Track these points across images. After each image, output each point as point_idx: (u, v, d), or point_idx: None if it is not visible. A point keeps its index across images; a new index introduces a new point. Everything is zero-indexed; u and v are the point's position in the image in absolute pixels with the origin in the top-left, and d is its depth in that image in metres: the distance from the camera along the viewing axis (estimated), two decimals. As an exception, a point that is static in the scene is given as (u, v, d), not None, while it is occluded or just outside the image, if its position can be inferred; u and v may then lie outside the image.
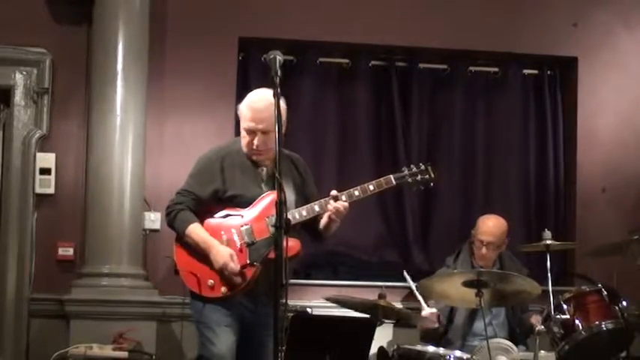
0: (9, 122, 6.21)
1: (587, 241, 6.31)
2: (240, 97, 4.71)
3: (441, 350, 5.04)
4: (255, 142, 4.52)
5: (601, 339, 4.99)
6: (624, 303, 5.05)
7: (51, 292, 5.98)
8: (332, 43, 6.51)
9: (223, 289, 4.49)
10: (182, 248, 4.60)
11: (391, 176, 4.66)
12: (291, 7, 6.39)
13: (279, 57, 3.88)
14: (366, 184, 4.61)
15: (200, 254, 4.53)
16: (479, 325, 5.59)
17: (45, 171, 6.11)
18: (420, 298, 5.57)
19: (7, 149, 6.22)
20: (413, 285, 5.65)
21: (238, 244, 4.52)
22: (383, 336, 5.85)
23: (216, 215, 4.58)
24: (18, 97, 6.18)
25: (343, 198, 4.54)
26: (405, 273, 5.84)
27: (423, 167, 4.74)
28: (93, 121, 6.01)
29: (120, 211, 5.90)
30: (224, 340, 4.51)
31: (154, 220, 6.09)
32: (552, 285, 5.18)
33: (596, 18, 6.73)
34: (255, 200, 4.56)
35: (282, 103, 4.34)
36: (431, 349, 5.06)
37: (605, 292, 5.04)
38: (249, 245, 4.51)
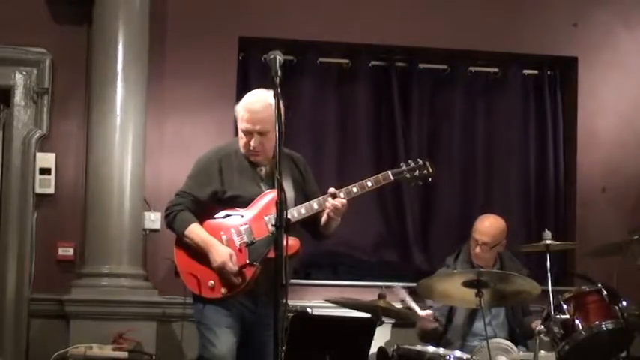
0: (9, 122, 6.21)
1: (587, 241, 6.31)
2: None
3: (441, 350, 5.04)
4: (252, 143, 4.52)
5: (601, 339, 4.99)
6: (624, 303, 5.04)
7: (51, 292, 5.98)
8: (332, 43, 6.51)
9: (223, 289, 4.50)
10: (182, 250, 4.60)
11: (389, 172, 4.65)
12: (291, 7, 6.39)
13: (279, 57, 3.88)
14: (364, 181, 4.60)
15: (200, 255, 4.53)
16: (478, 325, 5.59)
17: (45, 171, 6.11)
18: (414, 306, 5.56)
19: (7, 149, 6.22)
20: (408, 299, 5.63)
21: (237, 243, 4.52)
22: (383, 336, 5.85)
23: (215, 216, 4.58)
24: (18, 97, 6.18)
25: (341, 195, 4.53)
26: (401, 289, 5.82)
27: (421, 163, 4.72)
28: (93, 121, 6.01)
29: (120, 211, 5.90)
30: (224, 341, 4.51)
31: (154, 220, 6.08)
32: (552, 285, 5.17)
33: (596, 18, 6.73)
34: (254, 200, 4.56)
35: (280, 102, 4.34)
36: (431, 349, 5.06)
37: (605, 292, 5.04)
38: (249, 245, 4.51)
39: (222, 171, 4.58)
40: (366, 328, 4.81)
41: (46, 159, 6.12)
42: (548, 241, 5.41)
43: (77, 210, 6.09)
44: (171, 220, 4.60)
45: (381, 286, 5.61)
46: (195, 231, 4.53)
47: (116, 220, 5.89)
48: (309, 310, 5.51)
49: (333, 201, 4.51)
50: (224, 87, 6.19)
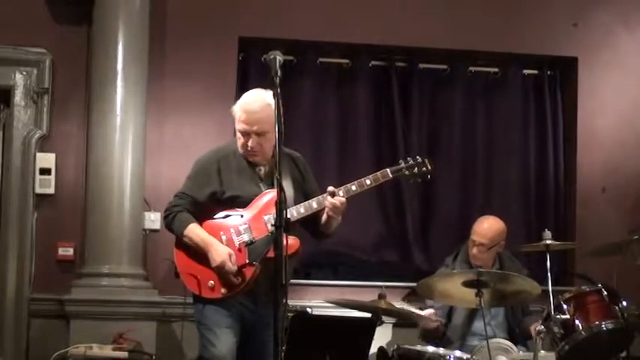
0: (9, 122, 6.21)
1: (587, 241, 6.31)
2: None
3: (441, 350, 5.04)
4: (250, 143, 4.52)
5: (601, 339, 4.99)
6: (624, 303, 5.04)
7: (51, 292, 5.98)
8: (332, 43, 6.51)
9: (223, 289, 4.49)
10: (182, 250, 4.60)
11: (388, 169, 4.64)
12: (291, 7, 6.39)
13: (279, 57, 3.88)
14: (362, 179, 4.59)
15: (200, 255, 4.53)
16: (478, 324, 5.59)
17: (45, 171, 6.11)
18: (416, 311, 5.57)
19: (7, 149, 6.22)
20: (410, 307, 5.64)
21: (237, 243, 4.52)
22: (383, 336, 5.85)
23: (215, 216, 4.58)
24: (18, 97, 6.18)
25: (340, 193, 4.53)
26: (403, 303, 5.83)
27: (419, 160, 4.70)
28: (93, 121, 6.01)
29: (120, 211, 5.90)
30: (224, 341, 4.51)
31: (154, 220, 6.08)
32: (552, 285, 5.17)
33: (596, 18, 6.73)
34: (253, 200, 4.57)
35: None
36: (431, 349, 5.05)
37: (605, 292, 5.03)
38: (248, 244, 4.51)
39: (221, 171, 4.58)
40: (366, 328, 4.80)
41: (46, 159, 6.12)
42: (548, 241, 5.41)
43: (77, 210, 6.09)
44: (170, 220, 4.60)
45: (381, 286, 5.61)
46: (195, 231, 4.53)
47: (116, 220, 5.89)
48: (309, 310, 5.51)
49: (332, 199, 4.51)
50: (224, 87, 6.19)
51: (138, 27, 6.04)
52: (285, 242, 3.64)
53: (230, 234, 4.54)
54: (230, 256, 4.46)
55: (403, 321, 6.01)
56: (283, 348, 3.67)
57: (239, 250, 4.51)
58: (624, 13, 6.77)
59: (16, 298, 6.06)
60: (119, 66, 5.95)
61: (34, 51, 6.16)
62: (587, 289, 5.13)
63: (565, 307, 5.03)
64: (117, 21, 5.98)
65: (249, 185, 4.58)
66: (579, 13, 6.70)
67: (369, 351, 4.79)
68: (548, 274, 5.27)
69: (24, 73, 6.18)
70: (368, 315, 5.17)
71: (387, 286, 5.67)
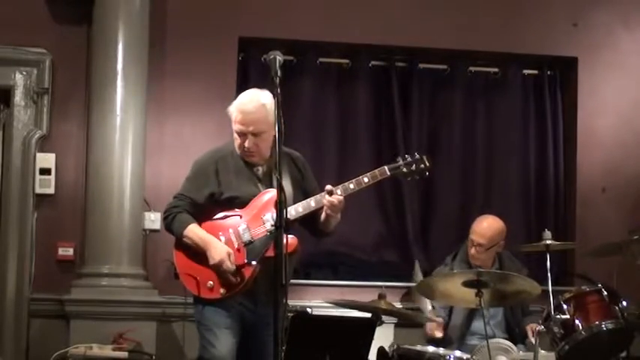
0: (9, 122, 6.21)
1: (587, 241, 6.31)
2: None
3: (441, 350, 5.03)
4: (246, 144, 4.52)
5: (601, 339, 4.98)
6: (624, 303, 5.04)
7: (51, 292, 5.98)
8: (332, 43, 6.51)
9: (222, 289, 4.49)
10: (181, 251, 4.60)
11: (385, 167, 4.62)
12: (291, 7, 6.39)
13: (279, 57, 3.88)
14: (360, 177, 4.58)
15: (199, 256, 4.53)
16: (477, 324, 5.59)
17: (45, 171, 6.11)
18: (429, 307, 5.59)
19: (7, 149, 6.22)
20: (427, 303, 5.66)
21: (236, 244, 4.52)
22: (383, 336, 5.84)
23: (213, 217, 4.58)
24: (18, 97, 6.18)
25: (338, 192, 4.52)
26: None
27: (417, 157, 4.67)
28: (93, 121, 6.01)
29: (120, 211, 5.90)
30: (224, 342, 4.51)
31: (153, 220, 6.08)
32: (552, 285, 5.17)
33: (596, 18, 6.73)
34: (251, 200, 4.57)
35: (273, 101, 4.34)
36: (431, 349, 5.05)
37: (605, 292, 5.03)
38: (247, 244, 4.51)
39: (219, 172, 4.58)
40: (366, 328, 4.80)
41: (46, 159, 6.12)
42: (548, 241, 5.41)
43: (77, 210, 6.09)
44: (169, 222, 4.60)
45: (381, 286, 5.61)
46: (194, 231, 4.54)
47: (116, 220, 5.90)
48: (309, 310, 5.50)
49: (330, 198, 4.50)
50: (224, 87, 6.19)
51: (138, 27, 6.04)
52: (288, 246, 3.64)
53: (229, 234, 4.54)
54: (229, 255, 4.46)
55: (403, 321, 6.01)
56: (283, 348, 3.66)
57: (238, 250, 4.51)
58: (624, 13, 6.77)
59: (16, 298, 6.06)
60: (119, 66, 5.95)
61: (34, 51, 6.17)
62: (587, 289, 5.13)
63: (565, 307, 5.02)
64: (117, 21, 5.98)
65: (248, 186, 4.58)
66: (579, 13, 6.70)
67: (369, 351, 4.79)
68: (548, 274, 5.27)
69: (24, 73, 6.18)
70: (368, 315, 5.17)
71: (387, 286, 5.67)
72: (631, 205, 6.63)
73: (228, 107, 4.60)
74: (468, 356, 5.05)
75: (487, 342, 5.05)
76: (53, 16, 6.17)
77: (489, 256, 5.79)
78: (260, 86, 4.60)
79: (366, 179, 4.58)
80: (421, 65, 6.68)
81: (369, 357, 4.81)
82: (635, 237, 5.49)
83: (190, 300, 4.72)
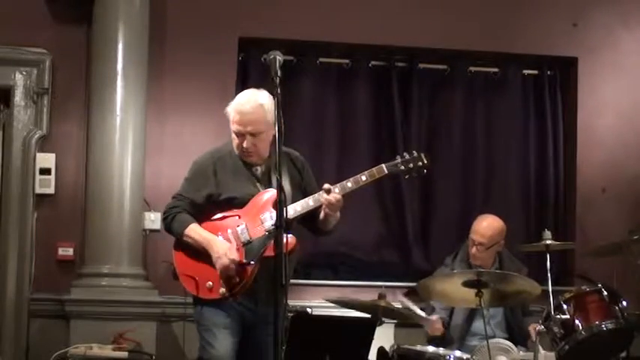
0: (9, 122, 6.21)
1: (587, 241, 6.33)
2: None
3: (441, 350, 5.04)
4: (245, 144, 4.52)
5: (601, 339, 4.98)
6: (624, 303, 5.04)
7: (51, 292, 5.98)
8: (332, 43, 6.52)
9: (222, 290, 4.49)
10: (181, 252, 4.60)
11: (383, 165, 4.61)
12: (291, 7, 6.39)
13: (279, 57, 3.88)
14: (358, 175, 4.57)
15: (199, 257, 4.53)
16: (477, 324, 5.59)
17: (45, 171, 6.11)
18: (421, 313, 5.58)
19: (7, 149, 6.21)
20: (414, 307, 5.65)
21: (235, 244, 4.52)
22: (383, 336, 5.84)
23: (212, 217, 4.58)
24: (18, 97, 6.18)
25: (336, 190, 4.52)
26: (404, 299, 5.82)
27: (415, 154, 4.65)
28: (93, 121, 6.01)
29: (120, 211, 5.90)
30: (223, 342, 4.51)
31: (153, 220, 6.08)
32: (552, 285, 5.18)
33: (596, 18, 6.73)
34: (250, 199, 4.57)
35: (271, 101, 4.36)
36: (430, 349, 5.06)
37: (605, 292, 5.03)
38: (245, 244, 4.51)
39: (217, 173, 4.58)
40: (366, 328, 4.81)
41: (46, 159, 6.12)
42: (548, 241, 5.41)
43: (77, 210, 6.09)
44: (169, 222, 4.59)
45: (381, 286, 5.61)
46: (195, 229, 4.53)
47: (116, 220, 5.90)
48: (309, 310, 5.51)
49: (328, 196, 4.50)
50: (224, 87, 6.19)
51: (138, 27, 6.04)
52: (287, 243, 3.64)
53: (227, 235, 4.54)
54: (230, 249, 4.45)
55: (403, 321, 6.01)
56: (283, 348, 3.66)
57: (237, 250, 4.51)
58: (624, 13, 6.77)
59: (16, 298, 6.06)
60: (119, 66, 5.95)
61: (33, 51, 6.16)
62: (587, 289, 5.13)
63: (565, 307, 5.02)
64: (117, 21, 5.98)
65: (246, 186, 4.58)
66: (579, 13, 6.70)
67: (369, 351, 4.79)
68: (548, 274, 5.27)
69: (24, 73, 6.18)
70: (368, 315, 5.18)
71: (387, 286, 5.68)
72: (631, 205, 6.63)
73: (226, 108, 4.60)
74: (468, 356, 5.06)
75: (487, 342, 5.05)
76: (53, 15, 6.17)
77: (490, 255, 5.79)
78: (260, 86, 4.60)
79: (364, 177, 4.57)
80: (421, 65, 6.68)
81: (369, 357, 4.81)
82: (635, 237, 5.49)
83: (190, 300, 4.71)
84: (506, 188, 6.74)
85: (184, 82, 6.24)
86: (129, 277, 5.94)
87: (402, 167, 4.63)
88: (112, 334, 5.67)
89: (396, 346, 5.07)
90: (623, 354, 5.26)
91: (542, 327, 5.03)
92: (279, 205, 3.66)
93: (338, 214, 4.60)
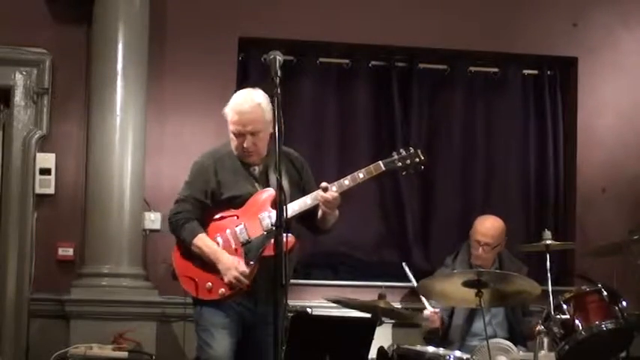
0: (9, 122, 6.21)
1: (587, 241, 6.32)
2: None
3: (441, 350, 5.04)
4: (245, 144, 4.53)
5: (601, 339, 4.99)
6: (624, 303, 5.04)
7: (51, 292, 5.98)
8: (332, 43, 6.51)
9: (221, 290, 4.50)
10: (180, 253, 4.61)
11: (380, 162, 4.62)
12: (291, 7, 6.39)
13: (279, 57, 3.88)
14: (355, 173, 4.58)
15: (199, 258, 4.54)
16: (478, 325, 5.59)
17: (45, 171, 6.11)
18: (425, 302, 5.58)
19: (7, 149, 6.21)
20: (414, 281, 5.65)
21: (233, 244, 4.53)
22: (383, 336, 5.85)
23: (211, 219, 4.58)
24: (18, 97, 6.18)
25: (334, 188, 4.52)
26: (405, 267, 5.81)
27: (412, 151, 4.67)
28: (93, 121, 6.01)
29: (120, 211, 5.90)
30: (221, 342, 4.52)
31: (153, 220, 6.08)
32: (552, 285, 5.18)
33: (596, 18, 6.73)
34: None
35: (267, 100, 4.38)
36: (430, 349, 5.06)
37: (605, 292, 5.03)
38: (244, 244, 4.51)
39: (218, 173, 4.60)
40: (366, 328, 4.81)
41: (46, 159, 6.12)
42: (548, 241, 5.42)
43: (77, 210, 6.09)
44: (179, 227, 4.58)
45: (381, 286, 5.61)
46: (204, 240, 4.54)
47: (116, 220, 5.89)
48: (309, 310, 5.51)
49: (325, 194, 4.50)
50: (224, 87, 6.17)
51: (138, 27, 6.03)
52: (285, 242, 3.64)
53: (226, 235, 4.54)
54: (238, 262, 4.46)
55: (403, 321, 6.00)
56: (283, 348, 3.66)
57: (235, 250, 4.52)
58: (624, 13, 6.76)
59: (16, 298, 6.05)
60: (119, 66, 5.95)
61: (33, 51, 6.16)
62: (587, 289, 5.13)
63: (565, 307, 5.03)
64: (117, 21, 5.98)
65: (245, 185, 4.59)
66: (579, 13, 6.70)
67: (369, 351, 4.79)
68: (548, 274, 5.27)
69: (24, 73, 6.18)
70: (368, 315, 5.18)
71: (387, 286, 5.69)
72: (631, 205, 6.62)
73: (223, 109, 4.60)
74: (468, 356, 5.06)
75: (487, 342, 5.05)
76: (53, 15, 6.17)
77: (493, 255, 5.80)
78: (260, 86, 4.60)
79: (361, 175, 4.58)
80: (421, 65, 6.67)
81: (369, 357, 4.81)
82: (635, 237, 5.50)
83: (190, 300, 4.72)
84: (506, 188, 6.74)
85: (184, 82, 6.24)
86: (129, 277, 5.94)
87: (399, 164, 4.64)
88: (112, 334, 5.67)
89: (395, 346, 5.06)
90: (623, 354, 5.26)
91: (542, 327, 5.03)
92: (279, 205, 3.66)
93: (336, 212, 4.61)
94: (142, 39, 6.05)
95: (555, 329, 4.97)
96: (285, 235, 3.67)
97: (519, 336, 5.72)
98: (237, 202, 4.57)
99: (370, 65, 6.63)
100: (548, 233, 5.46)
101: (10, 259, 6.07)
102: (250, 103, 4.52)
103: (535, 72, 6.82)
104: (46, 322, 6.02)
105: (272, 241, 3.68)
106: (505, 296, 5.18)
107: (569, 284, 6.23)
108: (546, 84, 6.81)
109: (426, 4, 6.55)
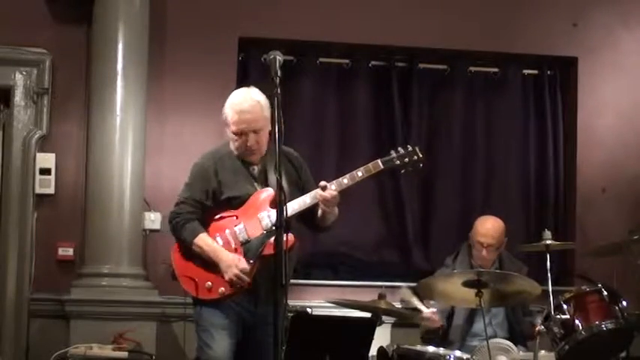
0: (9, 122, 6.21)
1: (587, 241, 6.32)
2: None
3: (441, 350, 5.04)
4: (249, 142, 4.53)
5: (601, 339, 4.98)
6: (624, 303, 5.04)
7: (51, 292, 5.98)
8: (332, 43, 6.52)
9: (221, 289, 4.50)
10: (179, 253, 4.61)
11: (379, 160, 4.62)
12: (291, 7, 6.39)
13: (279, 57, 3.87)
14: (354, 171, 4.59)
15: (199, 258, 4.54)
16: (478, 325, 5.59)
17: (45, 171, 6.11)
18: (419, 306, 5.58)
19: (7, 149, 6.21)
20: (414, 299, 5.64)
21: (233, 244, 4.53)
22: (383, 336, 5.85)
23: (210, 219, 4.58)
24: (18, 97, 6.18)
25: (332, 187, 4.52)
26: (406, 290, 5.81)
27: (410, 149, 4.67)
28: (93, 121, 6.01)
29: (120, 211, 5.90)
30: (220, 343, 4.52)
31: (153, 220, 6.08)
32: (552, 285, 5.17)
33: (596, 18, 6.73)
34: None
35: (264, 97, 4.38)
36: (431, 349, 5.06)
37: (605, 292, 5.03)
38: (244, 244, 4.52)
39: (218, 173, 4.60)
40: (366, 328, 4.81)
41: (46, 159, 6.12)
42: (548, 241, 5.41)
43: (77, 210, 6.09)
44: (179, 228, 4.58)
45: (381, 286, 5.61)
46: (205, 241, 4.54)
47: (116, 220, 5.89)
48: (309, 310, 5.51)
49: (323, 192, 4.51)
50: (224, 87, 6.14)
51: (138, 27, 6.04)
52: (285, 241, 3.64)
53: (225, 235, 4.55)
54: (239, 259, 4.46)
55: (403, 321, 6.00)
56: (283, 348, 3.66)
57: (235, 250, 4.52)
58: (624, 13, 6.77)
59: (16, 298, 6.06)
60: (119, 66, 5.95)
61: (33, 51, 6.16)
62: (587, 289, 5.12)
63: (565, 307, 5.02)
64: (117, 21, 5.98)
65: (245, 186, 4.59)
66: (579, 13, 6.70)
67: (369, 351, 4.79)
68: (548, 274, 5.27)
69: (24, 73, 6.18)
70: (368, 315, 5.17)
71: (387, 286, 5.68)
72: (631, 205, 6.63)
73: (222, 110, 4.60)
74: (468, 356, 5.06)
75: (487, 342, 5.05)
76: (53, 15, 6.17)
77: (496, 255, 5.80)
78: (260, 86, 4.60)
79: (360, 173, 4.59)
80: (421, 65, 6.68)
81: (369, 357, 4.81)
82: (635, 237, 5.49)
83: (190, 300, 4.72)
84: (506, 188, 6.74)
85: (184, 82, 6.24)
86: (129, 277, 5.94)
87: (398, 162, 4.64)
88: (112, 334, 5.67)
89: (395, 346, 5.06)
90: (623, 354, 5.25)
91: (542, 327, 5.03)
92: (279, 205, 3.66)
93: (336, 210, 4.61)
94: (142, 39, 6.05)
95: (555, 329, 4.97)
96: (285, 234, 3.67)
97: (519, 336, 5.71)
98: (236, 202, 4.57)
99: (370, 65, 6.63)
100: (548, 233, 5.46)
101: (10, 259, 6.07)
102: (250, 101, 4.53)
103: (535, 72, 6.83)
104: (46, 322, 6.02)
105: (272, 239, 3.68)
106: (505, 296, 5.18)
107: (569, 284, 6.23)
108: (546, 84, 6.81)
109: (426, 4, 6.55)
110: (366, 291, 6.04)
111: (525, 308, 5.82)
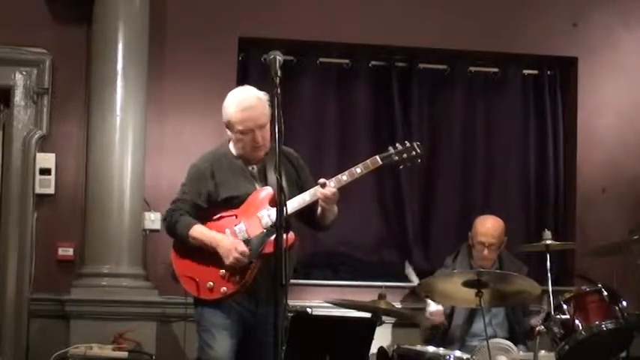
0: (9, 122, 6.21)
1: (587, 241, 6.32)
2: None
3: (441, 350, 5.04)
4: (258, 138, 4.53)
5: (601, 339, 4.98)
6: (624, 303, 5.04)
7: (51, 292, 5.98)
8: (332, 43, 6.52)
9: (223, 288, 4.49)
10: (179, 254, 4.60)
11: (377, 156, 4.61)
12: (291, 7, 6.39)
13: (279, 57, 3.87)
14: (353, 168, 4.59)
15: (198, 257, 4.53)
16: (478, 325, 5.59)
17: (45, 171, 6.11)
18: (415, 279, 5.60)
19: (7, 149, 6.21)
20: (416, 280, 5.65)
21: (235, 242, 4.53)
22: (383, 336, 5.85)
23: (210, 219, 4.58)
24: (18, 97, 6.18)
25: (332, 184, 4.52)
26: (409, 266, 5.81)
27: (408, 144, 4.66)
28: (93, 121, 6.01)
29: (120, 211, 5.90)
30: (221, 343, 4.52)
31: (153, 220, 6.08)
32: (552, 285, 5.18)
33: (596, 18, 6.73)
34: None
35: (264, 94, 4.38)
36: (431, 349, 5.06)
37: (605, 292, 5.03)
38: (244, 243, 4.51)
39: (215, 174, 4.59)
40: (366, 328, 4.81)
41: (46, 159, 6.12)
42: (548, 241, 5.42)
43: (77, 210, 6.09)
44: (173, 224, 4.58)
45: (381, 286, 5.61)
46: (200, 230, 4.53)
47: (116, 220, 5.89)
48: (309, 310, 5.51)
49: (323, 190, 4.51)
50: (224, 87, 6.09)
51: (138, 27, 6.04)
52: (285, 241, 3.64)
53: (226, 235, 4.54)
54: (238, 243, 4.45)
55: (403, 321, 6.01)
56: (283, 348, 3.66)
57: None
58: (624, 13, 6.77)
59: (16, 298, 6.06)
60: (119, 66, 5.95)
61: (33, 51, 6.16)
62: (587, 289, 5.13)
63: (565, 307, 5.02)
64: (117, 21, 5.98)
65: (244, 185, 4.59)
66: (579, 13, 6.70)
67: (369, 351, 4.80)
68: (548, 274, 5.27)
69: (24, 73, 6.18)
70: (368, 315, 5.17)
71: (387, 286, 5.69)
72: (631, 205, 6.63)
73: (223, 111, 4.59)
74: (468, 356, 5.06)
75: (487, 342, 5.05)
76: (53, 15, 6.17)
77: (496, 254, 5.80)
78: (260, 86, 4.60)
79: (358, 170, 4.59)
80: (421, 65, 6.68)
81: (369, 357, 4.81)
82: (635, 237, 5.49)
83: (190, 300, 4.72)
84: (506, 188, 6.74)
85: (184, 82, 6.24)
86: (129, 277, 5.94)
87: (396, 158, 4.64)
88: (112, 334, 5.67)
89: (396, 346, 5.07)
90: (623, 354, 5.25)
91: (542, 327, 5.03)
92: (279, 205, 3.66)
93: (335, 208, 4.61)
94: (142, 39, 6.05)
95: (555, 329, 4.97)
96: (285, 233, 3.67)
97: (519, 336, 5.72)
98: (235, 202, 4.57)
99: (370, 65, 6.64)
100: (548, 233, 5.46)
101: (10, 259, 6.07)
102: (252, 98, 4.53)
103: (535, 72, 6.83)
104: (46, 322, 6.02)
105: (272, 238, 3.68)
106: (505, 296, 5.18)
107: (569, 284, 6.23)
108: (546, 84, 6.81)
109: (426, 4, 6.56)
110: (366, 291, 6.04)
111: (525, 308, 5.83)
